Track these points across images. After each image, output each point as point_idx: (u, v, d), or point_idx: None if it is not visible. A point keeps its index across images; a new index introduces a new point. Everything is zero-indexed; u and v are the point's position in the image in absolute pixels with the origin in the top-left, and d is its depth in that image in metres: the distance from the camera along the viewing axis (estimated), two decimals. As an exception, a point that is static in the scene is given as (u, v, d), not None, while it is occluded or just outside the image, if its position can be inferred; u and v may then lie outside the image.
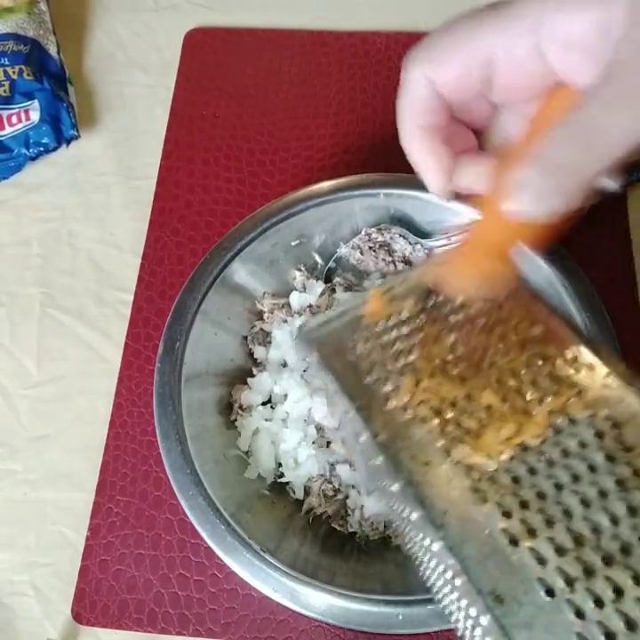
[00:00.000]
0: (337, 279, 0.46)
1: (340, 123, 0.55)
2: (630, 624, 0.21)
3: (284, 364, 0.44)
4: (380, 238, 0.46)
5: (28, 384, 0.48)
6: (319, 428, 0.41)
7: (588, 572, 0.22)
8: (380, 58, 0.57)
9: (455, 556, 0.23)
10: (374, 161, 0.53)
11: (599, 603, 0.21)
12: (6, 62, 0.54)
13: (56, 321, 0.50)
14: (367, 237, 0.46)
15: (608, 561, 0.22)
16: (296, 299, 0.45)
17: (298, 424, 0.41)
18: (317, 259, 0.47)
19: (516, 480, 0.24)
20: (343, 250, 0.47)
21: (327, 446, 0.41)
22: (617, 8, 0.22)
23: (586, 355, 0.28)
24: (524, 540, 0.23)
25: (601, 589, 0.21)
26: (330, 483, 0.40)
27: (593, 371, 0.27)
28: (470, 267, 0.29)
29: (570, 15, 0.23)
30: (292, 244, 0.46)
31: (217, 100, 0.57)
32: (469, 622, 0.23)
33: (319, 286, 0.45)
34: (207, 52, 0.59)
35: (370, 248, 0.46)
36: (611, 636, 0.21)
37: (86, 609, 0.41)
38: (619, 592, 0.21)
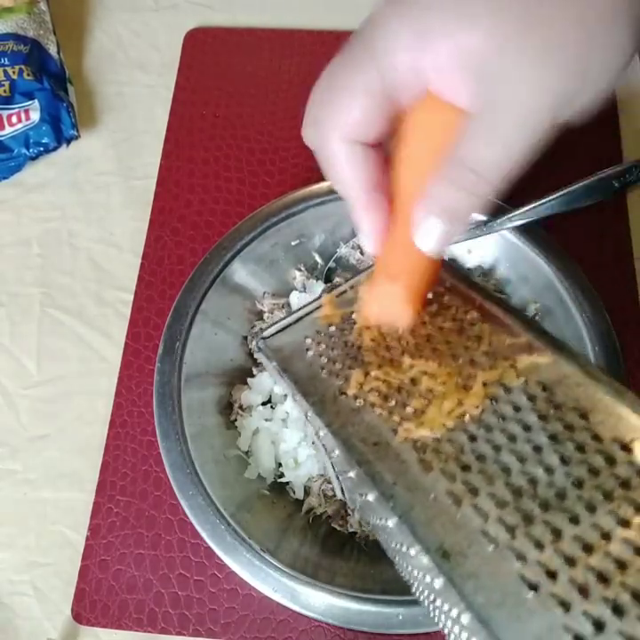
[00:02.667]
0: (337, 279, 0.46)
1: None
2: (570, 561, 0.22)
3: (284, 364, 0.44)
4: (380, 238, 0.46)
5: (27, 384, 0.48)
6: (319, 428, 0.41)
7: (528, 519, 0.23)
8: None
9: (404, 522, 0.24)
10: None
11: (539, 545, 0.22)
12: (6, 62, 0.54)
13: (56, 321, 0.50)
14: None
15: (545, 507, 0.23)
16: (296, 299, 0.45)
17: (298, 424, 0.41)
18: (317, 259, 0.47)
19: (458, 447, 0.26)
20: (343, 250, 0.47)
21: (327, 446, 0.41)
22: (480, 34, 0.22)
23: (517, 329, 0.30)
24: (467, 499, 0.24)
25: (540, 533, 0.22)
26: (330, 483, 0.40)
27: (525, 342, 0.29)
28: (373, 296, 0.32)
29: (433, 44, 0.23)
30: (292, 243, 0.46)
31: (217, 100, 0.57)
32: (431, 596, 0.24)
33: (319, 286, 0.45)
34: (207, 52, 0.59)
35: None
36: (552, 574, 0.21)
37: (86, 609, 0.41)
38: (557, 534, 0.22)
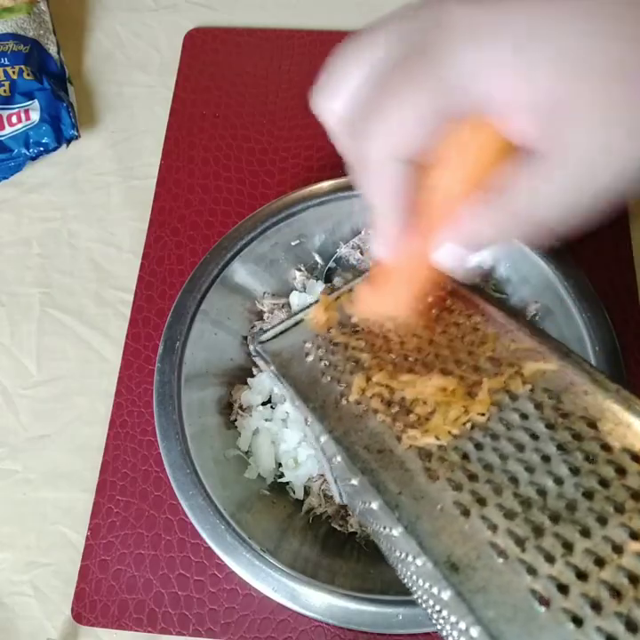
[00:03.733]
0: (337, 279, 0.46)
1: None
2: (581, 575, 0.21)
3: (284, 364, 0.44)
4: (380, 238, 0.46)
5: (27, 384, 0.48)
6: (319, 428, 0.41)
7: (537, 531, 0.22)
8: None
9: (410, 533, 0.24)
10: (374, 161, 0.53)
11: (550, 558, 0.22)
12: (6, 62, 0.54)
13: (56, 321, 0.50)
14: (367, 237, 0.46)
15: (555, 519, 0.23)
16: (296, 299, 0.45)
17: (298, 424, 0.41)
18: (317, 259, 0.47)
19: (464, 456, 0.25)
20: (343, 250, 0.47)
21: (327, 446, 0.41)
22: (566, 80, 0.21)
23: (522, 335, 0.30)
24: (475, 510, 0.24)
25: (550, 545, 0.22)
26: (330, 483, 0.40)
27: (530, 349, 0.29)
28: (379, 294, 0.32)
29: (515, 79, 0.21)
30: (292, 243, 0.46)
31: (217, 100, 0.57)
32: (437, 607, 0.24)
33: (319, 286, 0.45)
34: (207, 52, 0.59)
35: (370, 248, 0.46)
36: (563, 588, 0.21)
37: (86, 609, 0.41)
38: (568, 546, 0.22)
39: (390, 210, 0.26)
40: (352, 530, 0.40)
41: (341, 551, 0.39)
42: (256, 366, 0.45)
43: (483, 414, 0.26)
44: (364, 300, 0.32)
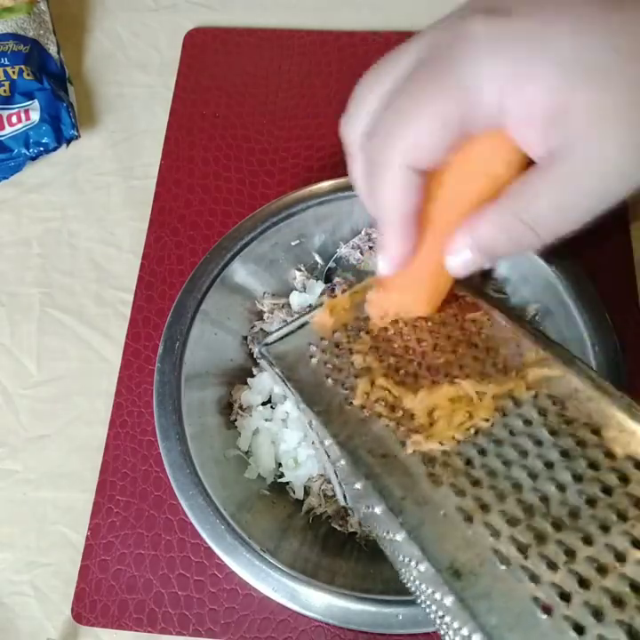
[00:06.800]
0: (337, 279, 0.46)
1: (340, 123, 0.55)
2: (583, 582, 0.21)
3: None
4: (380, 238, 0.46)
5: (27, 384, 0.48)
6: (319, 428, 0.41)
7: (540, 538, 0.23)
8: (380, 58, 0.57)
9: (414, 539, 0.24)
10: (374, 161, 0.53)
11: (552, 566, 0.22)
12: (6, 62, 0.54)
13: (56, 321, 0.50)
14: (367, 237, 0.46)
15: (558, 526, 0.23)
16: (296, 299, 0.45)
17: (298, 424, 0.41)
18: (317, 259, 0.47)
19: (468, 462, 0.26)
20: (343, 250, 0.47)
21: (327, 446, 0.41)
22: (579, 91, 0.21)
23: (526, 341, 0.30)
24: (478, 516, 0.24)
25: (553, 553, 0.22)
26: (330, 483, 0.40)
27: (534, 354, 0.29)
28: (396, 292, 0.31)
29: (529, 90, 0.22)
30: (292, 243, 0.46)
31: (217, 100, 0.57)
32: (440, 612, 0.24)
33: (319, 286, 0.45)
34: (207, 52, 0.59)
35: (370, 248, 0.46)
36: (566, 595, 0.21)
37: (86, 609, 0.41)
38: (570, 554, 0.22)
39: (397, 220, 0.26)
40: (352, 530, 0.40)
41: (341, 551, 0.39)
42: (256, 366, 0.45)
43: (487, 420, 0.26)
44: (379, 309, 0.32)
